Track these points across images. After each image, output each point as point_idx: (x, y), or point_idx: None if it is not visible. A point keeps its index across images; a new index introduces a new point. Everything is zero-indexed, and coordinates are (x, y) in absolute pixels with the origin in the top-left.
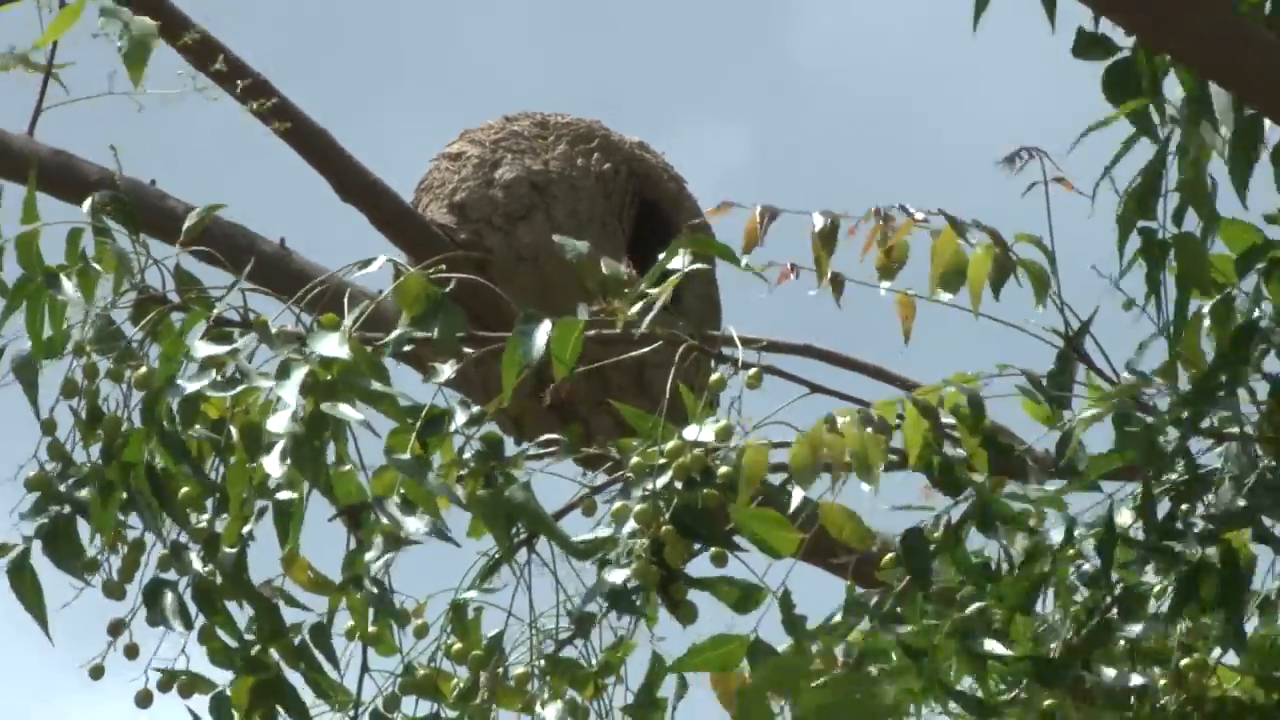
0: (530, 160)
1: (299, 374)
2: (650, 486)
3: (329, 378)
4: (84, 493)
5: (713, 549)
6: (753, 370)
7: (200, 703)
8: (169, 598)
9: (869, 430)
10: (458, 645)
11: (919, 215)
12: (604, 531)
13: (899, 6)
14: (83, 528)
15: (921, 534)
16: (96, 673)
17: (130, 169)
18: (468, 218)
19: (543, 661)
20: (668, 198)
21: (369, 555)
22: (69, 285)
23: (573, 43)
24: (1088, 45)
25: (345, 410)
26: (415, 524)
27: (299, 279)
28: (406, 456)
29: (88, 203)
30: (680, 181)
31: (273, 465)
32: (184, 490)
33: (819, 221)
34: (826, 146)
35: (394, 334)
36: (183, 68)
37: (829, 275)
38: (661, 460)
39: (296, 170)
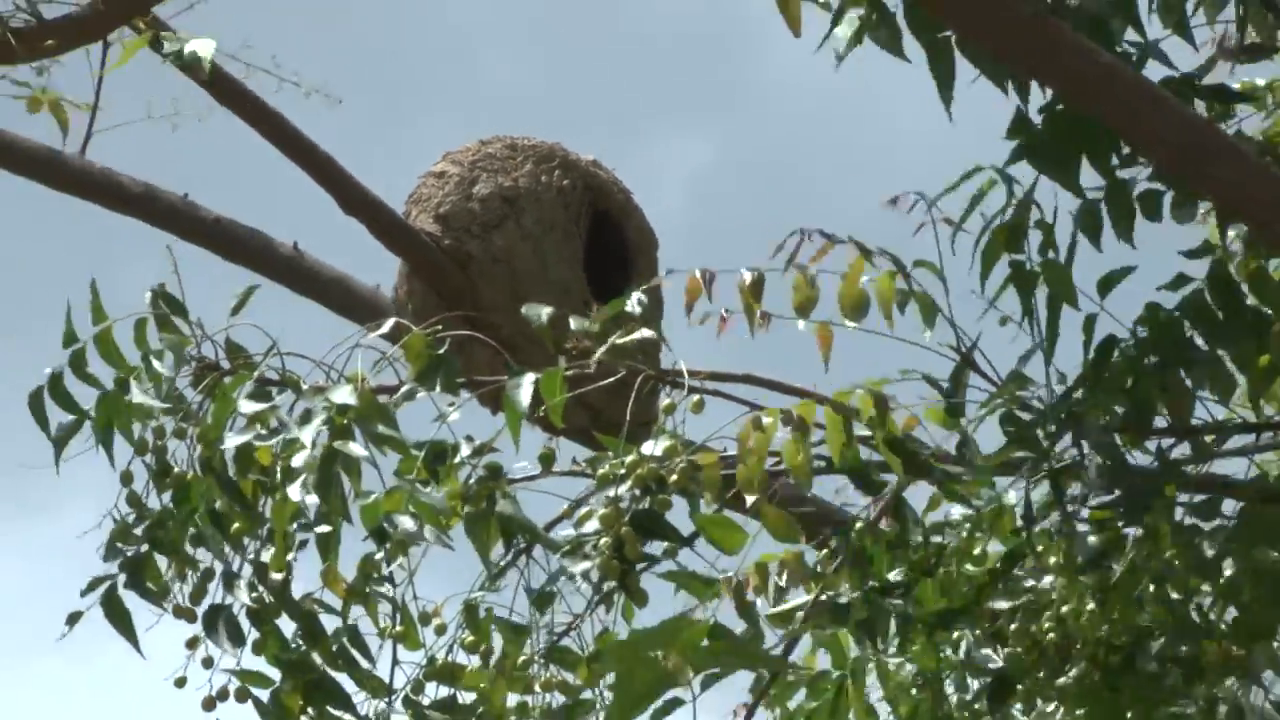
0: (502, 178)
1: (318, 420)
2: (611, 494)
3: (344, 421)
4: (157, 533)
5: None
6: (695, 399)
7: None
8: (223, 621)
9: (790, 429)
10: (470, 639)
11: (829, 245)
12: (574, 532)
13: None
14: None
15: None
16: (181, 682)
17: (164, 182)
18: (450, 226)
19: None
20: (617, 207)
21: (378, 556)
22: (137, 389)
23: (562, 65)
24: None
25: (353, 448)
26: (416, 530)
27: (310, 277)
28: (411, 477)
29: (147, 295)
30: (628, 193)
31: (295, 493)
32: (236, 525)
33: (747, 277)
34: (784, 153)
35: (403, 390)
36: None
37: (759, 317)
38: (621, 471)
39: (307, 188)
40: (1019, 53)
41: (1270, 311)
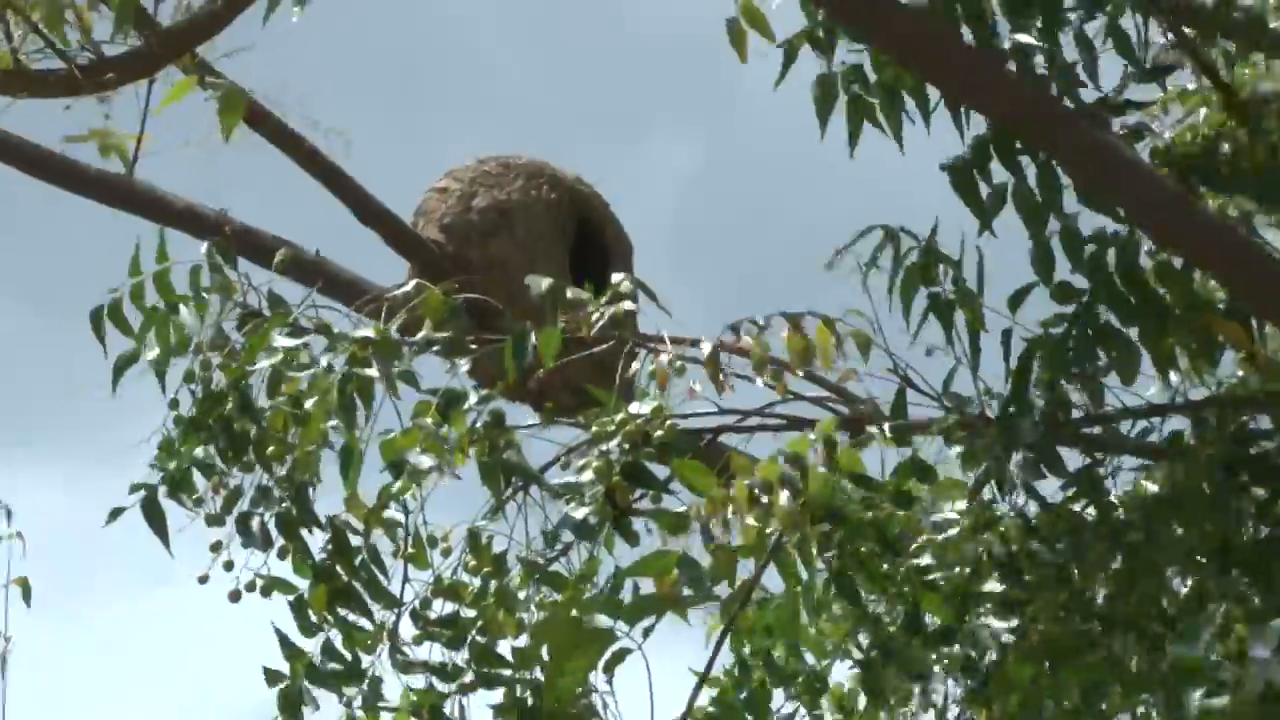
0: (497, 192)
1: (341, 351)
2: (605, 448)
3: (364, 353)
4: (196, 451)
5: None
6: (679, 363)
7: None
8: (255, 525)
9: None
10: (473, 562)
11: (762, 328)
12: (573, 479)
13: None
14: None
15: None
16: (204, 579)
17: (203, 198)
18: (453, 235)
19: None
20: (597, 216)
21: (396, 487)
22: (186, 312)
23: (563, 73)
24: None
25: (369, 371)
26: (429, 463)
27: (333, 280)
28: (428, 420)
29: (204, 246)
30: (606, 205)
31: (314, 406)
32: (271, 449)
33: (707, 348)
34: (765, 159)
35: (420, 335)
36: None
37: (723, 378)
38: (612, 429)
39: (329, 202)
40: (959, 88)
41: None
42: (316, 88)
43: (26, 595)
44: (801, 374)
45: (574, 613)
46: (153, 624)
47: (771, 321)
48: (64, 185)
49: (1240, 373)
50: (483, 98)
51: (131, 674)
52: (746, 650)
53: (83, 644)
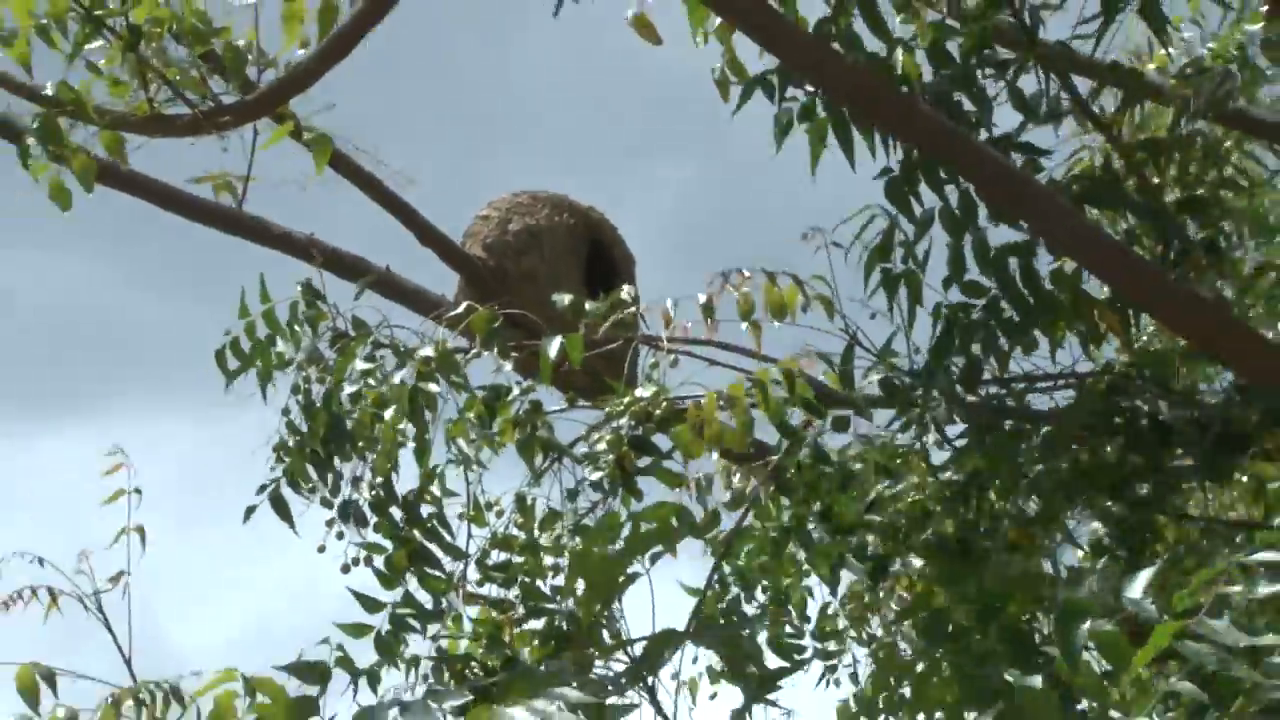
0: (528, 218)
1: (410, 367)
2: (616, 425)
3: (427, 369)
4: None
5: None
6: (672, 357)
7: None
8: (352, 509)
9: (730, 410)
10: (520, 520)
11: (748, 274)
12: (590, 449)
13: None
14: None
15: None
16: (321, 549)
17: (296, 225)
18: (493, 252)
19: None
20: (607, 237)
21: (444, 468)
22: (282, 343)
23: (590, 110)
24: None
25: (431, 386)
26: (469, 449)
27: (398, 289)
28: (471, 415)
29: (298, 287)
30: (614, 229)
31: (391, 416)
32: (360, 444)
33: (702, 299)
34: (744, 173)
35: (473, 350)
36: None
37: (711, 323)
38: (621, 409)
39: (395, 227)
40: (890, 125)
41: (1062, 295)
42: (384, 135)
43: (143, 540)
44: (777, 323)
45: (597, 549)
46: (251, 554)
47: (754, 275)
48: (188, 216)
49: (1118, 354)
50: (522, 133)
51: (224, 593)
52: (728, 571)
53: (191, 570)
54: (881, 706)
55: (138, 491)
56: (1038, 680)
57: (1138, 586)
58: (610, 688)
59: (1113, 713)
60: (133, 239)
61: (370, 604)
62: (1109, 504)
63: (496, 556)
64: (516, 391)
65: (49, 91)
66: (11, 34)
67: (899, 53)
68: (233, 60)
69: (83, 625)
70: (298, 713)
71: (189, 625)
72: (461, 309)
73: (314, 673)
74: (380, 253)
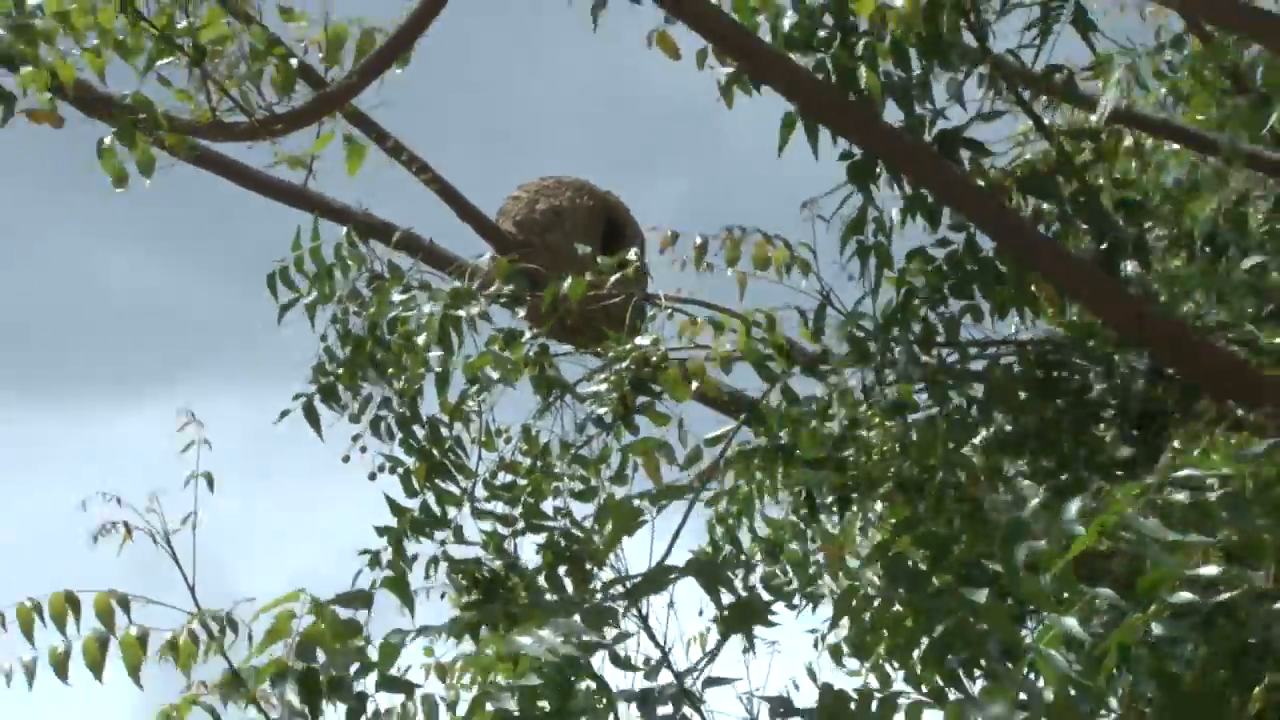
0: (553, 199)
1: (439, 301)
2: (618, 367)
3: (455, 300)
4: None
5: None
6: (669, 312)
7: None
8: (382, 425)
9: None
10: (525, 447)
11: (745, 236)
12: (595, 389)
13: None
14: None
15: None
16: (345, 459)
17: (351, 203)
18: (522, 228)
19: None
20: (621, 217)
21: (473, 391)
22: (338, 275)
23: (601, 126)
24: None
25: (458, 312)
26: (495, 375)
27: (440, 258)
28: (495, 347)
29: (344, 231)
30: (628, 210)
31: (422, 341)
32: (390, 370)
33: (697, 239)
34: (734, 184)
35: (493, 288)
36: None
37: (704, 264)
38: (625, 354)
39: (439, 205)
40: (843, 128)
41: (1005, 268)
42: (421, 134)
43: (210, 484)
44: (759, 272)
45: (618, 498)
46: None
47: (749, 233)
48: (260, 191)
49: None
50: (544, 140)
51: (280, 544)
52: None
53: (252, 520)
54: (851, 638)
55: (207, 443)
56: (984, 593)
57: (1071, 511)
58: (609, 619)
59: (1048, 615)
60: (201, 241)
61: (395, 507)
62: (1042, 461)
63: (503, 478)
64: (529, 333)
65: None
66: (94, 49)
67: (862, 68)
68: (285, 76)
69: (154, 565)
70: (345, 632)
71: (250, 568)
72: (485, 257)
73: (359, 600)
74: (425, 226)
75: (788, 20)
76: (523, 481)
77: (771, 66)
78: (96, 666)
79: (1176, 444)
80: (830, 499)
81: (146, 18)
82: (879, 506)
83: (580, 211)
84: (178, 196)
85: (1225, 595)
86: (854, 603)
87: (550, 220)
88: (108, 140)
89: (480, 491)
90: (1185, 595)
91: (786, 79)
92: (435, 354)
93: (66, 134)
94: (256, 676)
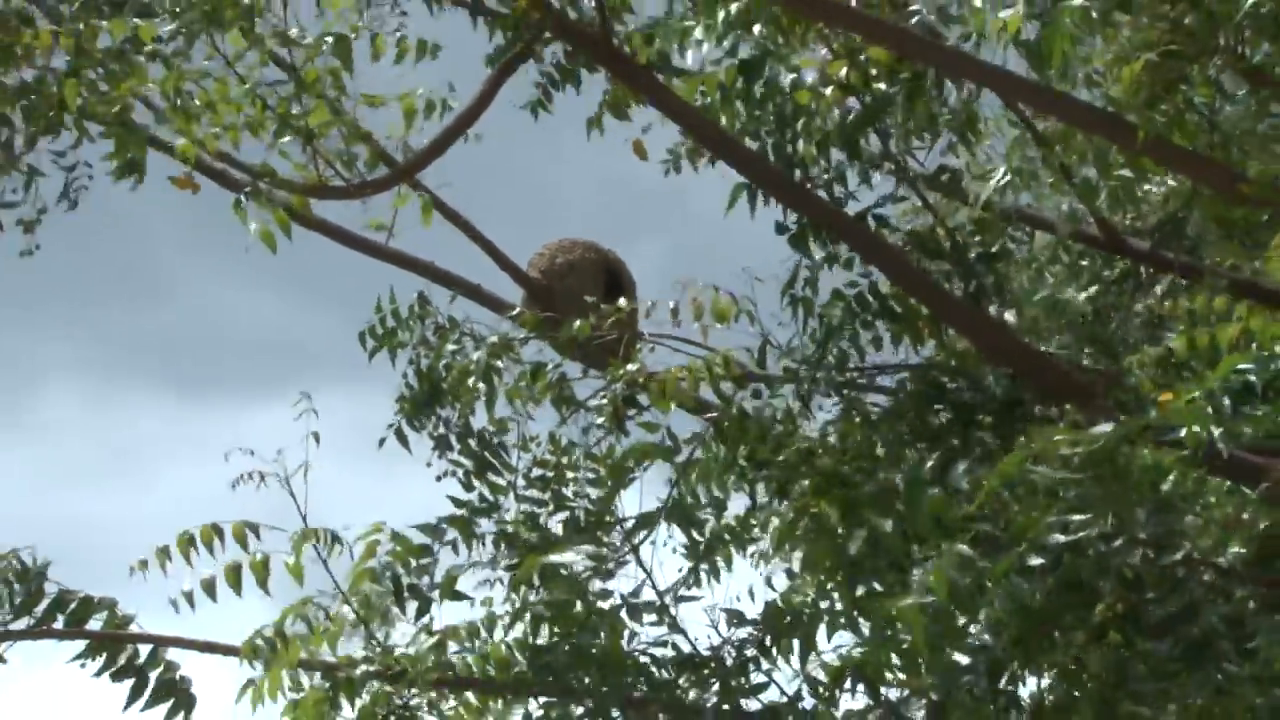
0: (568, 255)
1: (484, 350)
2: (614, 388)
3: (494, 351)
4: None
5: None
6: (651, 346)
7: None
8: (452, 436)
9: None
10: (552, 448)
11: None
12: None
13: None
14: None
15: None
16: (429, 464)
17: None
18: (546, 275)
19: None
20: (618, 269)
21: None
22: (402, 333)
23: (593, 195)
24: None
25: (497, 363)
26: (525, 401)
27: (485, 298)
28: (524, 383)
29: (415, 294)
30: (624, 264)
31: (471, 380)
32: (450, 398)
33: (671, 305)
34: (704, 248)
35: (524, 338)
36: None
37: (678, 319)
38: (618, 377)
39: (482, 256)
40: (791, 200)
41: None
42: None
43: (317, 440)
44: (721, 326)
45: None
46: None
47: (706, 290)
48: (359, 250)
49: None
50: (561, 210)
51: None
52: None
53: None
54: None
55: (314, 412)
56: (889, 524)
57: (958, 471)
58: (610, 553)
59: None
60: (309, 285)
61: (456, 501)
62: (933, 454)
63: (536, 473)
64: (550, 366)
65: (255, 166)
66: (230, 126)
67: (800, 143)
68: (373, 152)
69: (276, 509)
70: (418, 553)
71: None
72: (518, 311)
73: (433, 531)
74: (474, 274)
75: (740, 113)
76: (550, 474)
77: (733, 151)
78: (237, 585)
79: (1029, 436)
80: (772, 485)
81: (271, 106)
82: (806, 484)
83: (588, 264)
84: (291, 249)
85: (1074, 536)
86: (790, 538)
87: (565, 270)
88: (243, 200)
89: (520, 483)
90: (1057, 536)
91: (741, 160)
92: (482, 387)
93: (199, 199)
94: (353, 580)
